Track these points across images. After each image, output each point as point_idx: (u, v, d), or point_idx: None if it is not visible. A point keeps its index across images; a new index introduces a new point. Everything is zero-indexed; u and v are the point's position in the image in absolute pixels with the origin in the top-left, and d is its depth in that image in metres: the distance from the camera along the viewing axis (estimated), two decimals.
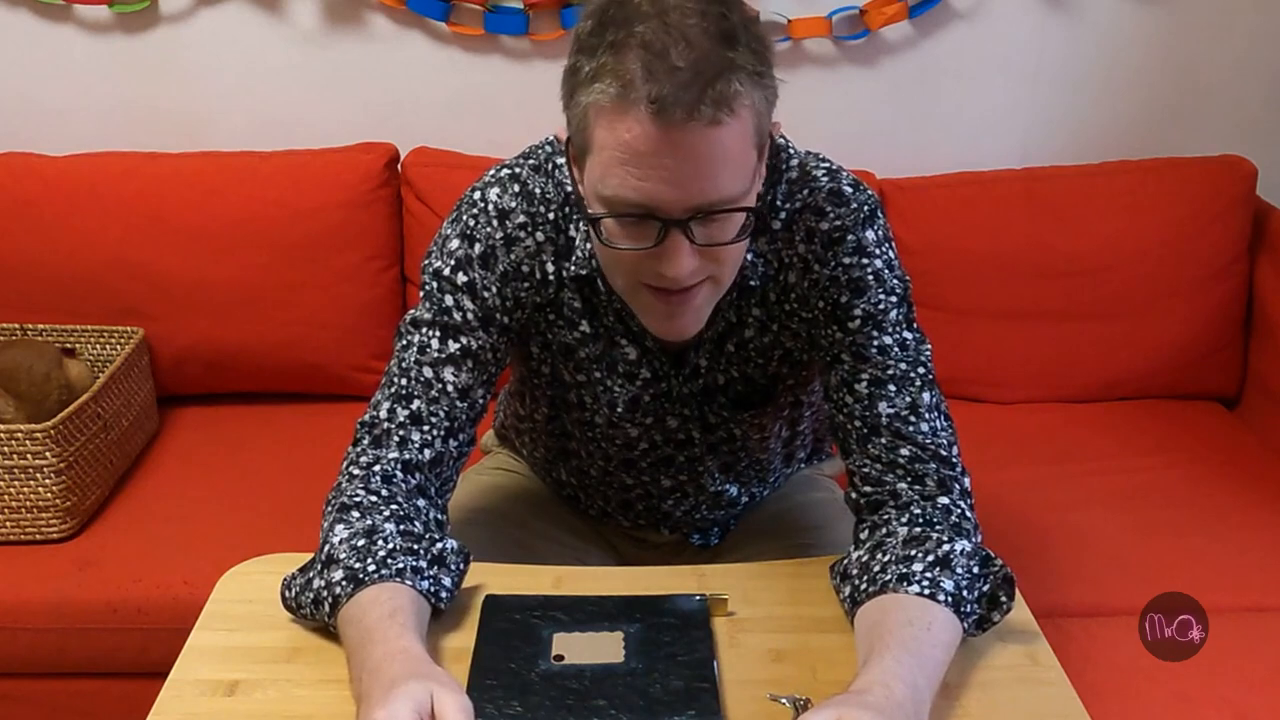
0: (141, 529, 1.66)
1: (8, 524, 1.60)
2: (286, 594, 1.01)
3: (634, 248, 0.95)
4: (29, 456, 1.57)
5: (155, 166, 1.95)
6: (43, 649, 1.54)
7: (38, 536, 1.61)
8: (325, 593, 0.96)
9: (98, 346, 1.90)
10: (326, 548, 0.99)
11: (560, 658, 0.94)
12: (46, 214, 1.90)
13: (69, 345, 1.88)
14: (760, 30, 0.93)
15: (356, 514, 1.01)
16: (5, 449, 1.57)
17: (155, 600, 1.53)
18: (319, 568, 0.98)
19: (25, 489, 1.58)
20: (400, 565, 0.96)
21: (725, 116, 0.88)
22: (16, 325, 1.90)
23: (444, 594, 0.99)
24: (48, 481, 1.58)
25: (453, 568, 1.01)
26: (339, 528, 1.00)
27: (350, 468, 1.06)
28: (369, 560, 0.96)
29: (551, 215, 1.08)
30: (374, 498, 1.03)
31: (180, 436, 1.92)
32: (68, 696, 1.59)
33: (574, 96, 0.94)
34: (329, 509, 1.04)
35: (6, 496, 1.59)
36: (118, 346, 1.89)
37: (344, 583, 0.95)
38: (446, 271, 1.07)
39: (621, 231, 0.95)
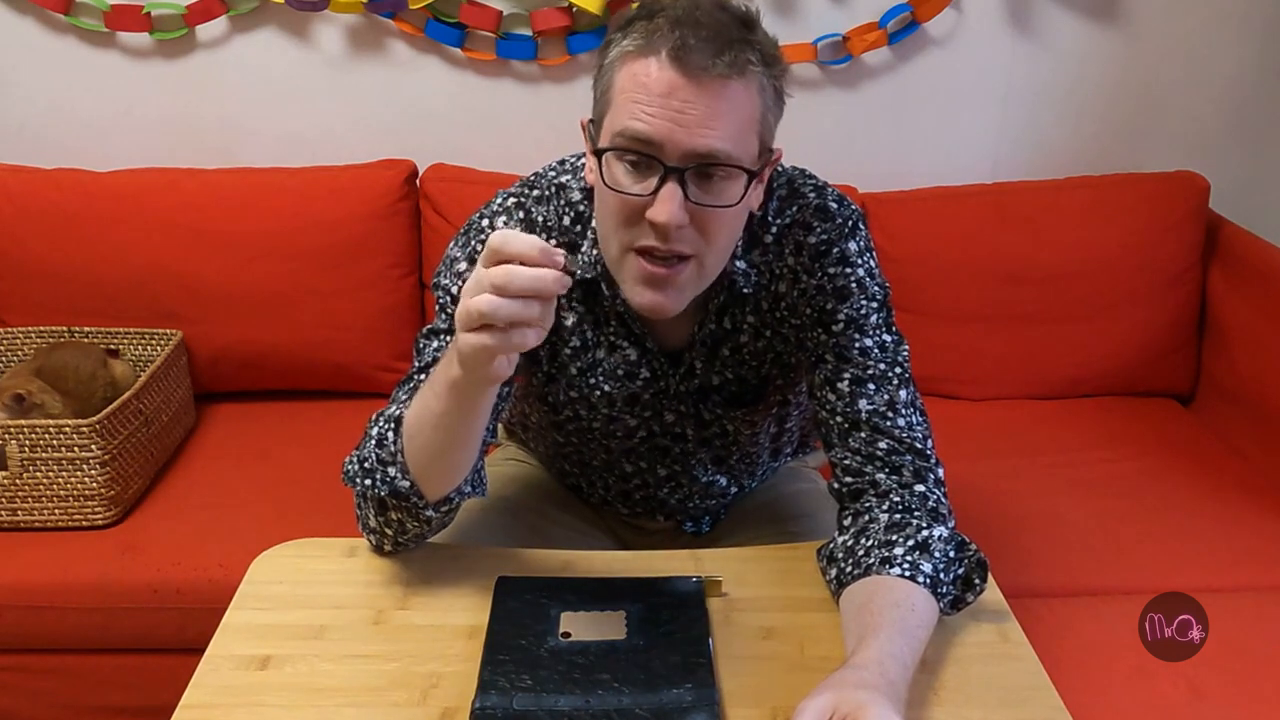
0: (180, 516, 1.65)
1: (56, 511, 1.60)
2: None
3: (634, 192, 0.94)
4: (76, 449, 1.57)
5: (192, 181, 1.95)
6: (88, 627, 1.53)
7: (84, 523, 1.61)
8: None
9: (139, 347, 1.90)
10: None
11: (567, 635, 0.94)
12: (92, 225, 1.90)
13: (113, 346, 1.88)
14: (775, 43, 0.97)
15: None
16: (54, 442, 1.57)
17: (192, 582, 1.52)
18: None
19: (72, 479, 1.58)
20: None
21: (737, 76, 0.91)
22: (65, 328, 1.89)
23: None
24: (93, 472, 1.58)
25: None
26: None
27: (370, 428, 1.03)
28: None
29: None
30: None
31: (216, 431, 1.92)
32: (111, 670, 1.58)
33: (603, 64, 0.96)
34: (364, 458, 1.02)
35: (55, 486, 1.58)
36: (158, 347, 1.89)
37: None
38: (455, 291, 1.06)
39: (625, 175, 0.95)
